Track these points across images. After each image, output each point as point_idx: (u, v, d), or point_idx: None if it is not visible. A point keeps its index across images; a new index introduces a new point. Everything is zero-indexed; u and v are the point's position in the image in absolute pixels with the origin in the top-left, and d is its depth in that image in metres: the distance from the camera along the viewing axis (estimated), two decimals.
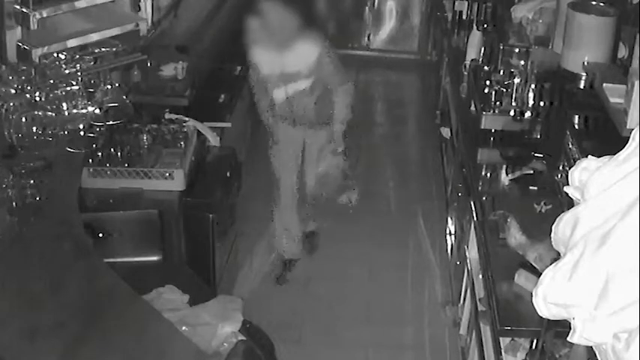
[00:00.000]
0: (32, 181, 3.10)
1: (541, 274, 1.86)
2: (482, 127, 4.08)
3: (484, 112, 4.08)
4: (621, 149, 1.87)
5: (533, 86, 3.94)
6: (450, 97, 5.30)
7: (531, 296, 1.87)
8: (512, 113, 4.01)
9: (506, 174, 3.73)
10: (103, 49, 3.52)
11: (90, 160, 3.77)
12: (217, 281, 4.07)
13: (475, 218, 3.55)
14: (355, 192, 4.74)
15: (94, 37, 3.48)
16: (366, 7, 7.81)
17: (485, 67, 4.38)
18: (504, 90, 4.09)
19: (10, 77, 3.17)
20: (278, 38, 4.24)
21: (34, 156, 3.20)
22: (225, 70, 5.26)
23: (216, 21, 5.30)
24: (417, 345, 4.26)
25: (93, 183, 3.75)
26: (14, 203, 3.01)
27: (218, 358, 2.98)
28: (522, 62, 4.18)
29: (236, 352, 3.02)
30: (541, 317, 1.91)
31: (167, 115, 4.23)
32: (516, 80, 4.05)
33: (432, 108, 6.52)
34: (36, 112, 3.19)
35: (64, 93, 3.27)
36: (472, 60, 4.71)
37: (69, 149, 3.34)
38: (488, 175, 3.81)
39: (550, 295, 1.82)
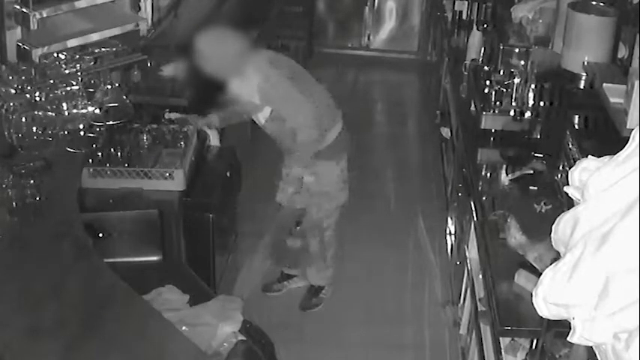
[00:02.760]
0: (32, 181, 3.10)
1: (541, 274, 1.87)
2: (483, 127, 4.08)
3: (484, 112, 4.08)
4: (621, 149, 1.88)
5: (533, 86, 3.94)
6: (450, 97, 5.29)
7: (531, 296, 1.87)
8: (512, 113, 4.01)
9: (506, 174, 3.72)
10: (103, 49, 3.53)
11: (90, 160, 3.76)
12: (217, 281, 4.07)
13: (475, 218, 3.55)
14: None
15: (94, 37, 3.50)
16: (366, 7, 7.82)
17: (486, 67, 4.37)
18: (504, 90, 4.08)
19: (10, 77, 3.18)
20: (221, 71, 3.86)
21: (34, 156, 3.20)
22: None
23: (216, 21, 5.29)
24: (417, 345, 4.26)
25: (93, 183, 3.75)
26: (14, 203, 3.02)
27: (218, 358, 2.98)
28: (522, 62, 4.18)
29: (236, 352, 3.02)
30: (541, 317, 1.91)
31: (167, 115, 4.23)
32: (516, 80, 4.05)
33: (432, 108, 6.52)
34: (36, 112, 3.19)
35: (64, 93, 3.28)
36: (472, 60, 4.71)
37: (69, 149, 3.34)
38: (488, 175, 3.80)
39: (550, 295, 1.82)
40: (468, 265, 3.83)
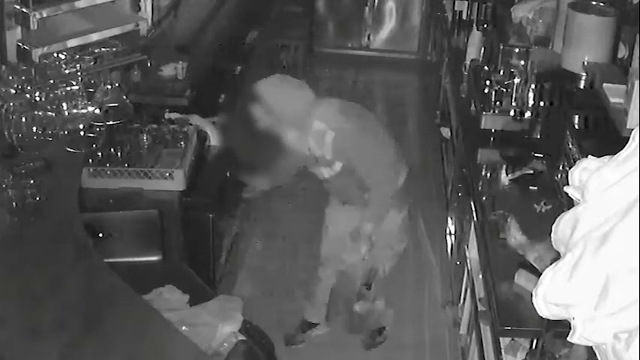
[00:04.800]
0: (32, 181, 3.10)
1: (541, 274, 1.87)
2: (483, 127, 4.08)
3: (484, 112, 4.08)
4: (621, 149, 1.88)
5: (533, 86, 3.94)
6: (450, 97, 5.30)
7: (531, 296, 1.87)
8: (512, 113, 4.02)
9: (506, 174, 3.73)
10: (103, 49, 3.52)
11: (90, 160, 3.76)
12: (217, 281, 4.07)
13: (475, 218, 3.55)
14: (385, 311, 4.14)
15: (94, 37, 3.49)
16: (366, 7, 7.82)
17: (486, 67, 4.38)
18: (504, 90, 4.09)
19: (10, 77, 3.17)
20: (286, 122, 3.51)
21: (34, 156, 3.20)
22: (225, 70, 5.26)
23: (216, 21, 5.31)
24: (417, 345, 4.26)
25: (93, 183, 3.75)
26: (14, 203, 3.02)
27: (218, 358, 2.98)
28: (522, 62, 4.18)
29: (236, 352, 3.02)
30: (541, 317, 1.91)
31: (167, 115, 4.23)
32: (516, 80, 4.05)
33: (432, 108, 6.52)
34: (36, 112, 3.19)
35: (64, 93, 3.28)
36: (472, 60, 4.71)
37: (69, 149, 3.34)
38: (488, 175, 3.81)
39: (550, 295, 1.82)
40: (468, 265, 3.83)
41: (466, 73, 4.74)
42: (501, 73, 4.22)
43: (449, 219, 4.89)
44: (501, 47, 4.32)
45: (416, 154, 6.30)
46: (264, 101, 3.47)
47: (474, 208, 3.61)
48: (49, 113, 3.21)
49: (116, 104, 3.52)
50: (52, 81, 3.25)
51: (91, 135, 3.42)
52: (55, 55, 3.34)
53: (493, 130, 4.06)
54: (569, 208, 1.93)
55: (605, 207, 1.81)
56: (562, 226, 1.91)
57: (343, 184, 3.71)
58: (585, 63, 3.53)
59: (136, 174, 3.77)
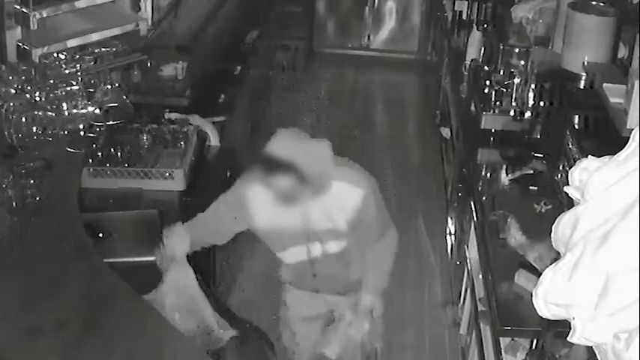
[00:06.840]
0: (32, 181, 3.10)
1: (541, 274, 1.87)
2: (483, 127, 4.08)
3: (484, 112, 4.08)
4: (621, 149, 1.88)
5: (533, 86, 3.94)
6: (450, 97, 5.30)
7: (531, 296, 1.88)
8: (512, 113, 4.02)
9: (506, 174, 3.73)
10: (103, 49, 3.53)
11: (90, 160, 3.76)
12: (217, 281, 4.07)
13: (475, 218, 3.55)
14: None
15: (94, 37, 3.50)
16: (366, 7, 7.82)
17: (486, 67, 4.38)
18: (504, 90, 4.09)
19: (10, 77, 3.18)
20: (308, 186, 2.79)
21: (34, 156, 3.21)
22: (225, 70, 5.26)
23: (216, 21, 5.31)
24: (417, 345, 4.26)
25: (93, 183, 3.74)
26: (14, 203, 3.02)
27: (218, 358, 2.98)
28: (522, 62, 4.19)
29: (236, 352, 3.02)
30: (541, 317, 1.91)
31: (167, 115, 4.23)
32: (516, 80, 4.05)
33: (432, 108, 6.52)
34: (36, 112, 3.20)
35: (64, 93, 3.29)
36: (472, 60, 4.71)
37: (69, 149, 3.34)
38: (489, 175, 3.81)
39: (550, 295, 1.82)
40: (468, 265, 3.83)
41: (466, 73, 4.74)
42: (501, 73, 4.23)
43: (449, 219, 4.89)
44: (501, 47, 4.32)
45: (416, 154, 6.31)
46: (296, 167, 2.73)
47: (473, 208, 3.61)
48: (49, 113, 3.22)
49: (116, 104, 3.53)
50: (52, 81, 3.26)
51: (91, 135, 3.43)
52: (55, 55, 3.35)
53: (493, 130, 4.06)
54: (569, 208, 1.94)
55: (605, 207, 1.81)
56: (562, 226, 1.91)
57: (347, 256, 3.10)
58: (585, 63, 3.54)
59: (136, 174, 3.77)
